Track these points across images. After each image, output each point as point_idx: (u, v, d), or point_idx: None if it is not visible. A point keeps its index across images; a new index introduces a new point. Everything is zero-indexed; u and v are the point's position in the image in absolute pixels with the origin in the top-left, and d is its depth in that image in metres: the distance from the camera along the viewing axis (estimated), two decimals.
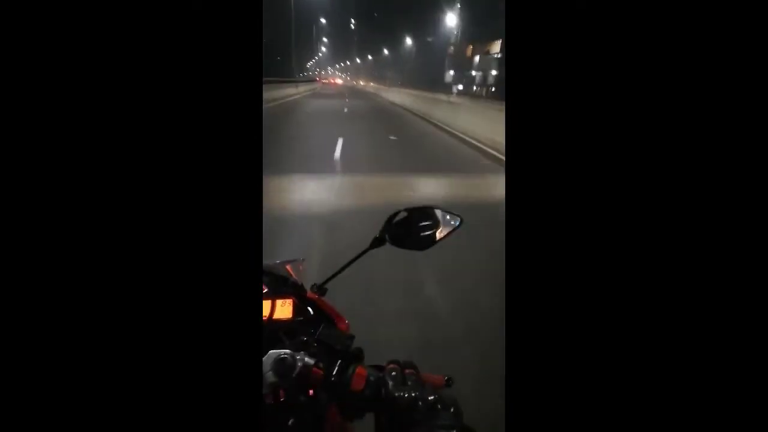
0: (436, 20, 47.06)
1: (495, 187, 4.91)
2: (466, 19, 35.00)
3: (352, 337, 0.59)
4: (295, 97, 21.45)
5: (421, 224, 0.74)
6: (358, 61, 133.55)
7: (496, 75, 38.06)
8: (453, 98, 19.25)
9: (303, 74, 73.48)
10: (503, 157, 6.22)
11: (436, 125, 11.34)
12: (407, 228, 0.73)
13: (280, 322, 0.65)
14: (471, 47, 42.54)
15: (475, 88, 42.18)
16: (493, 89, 37.52)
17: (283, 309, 0.66)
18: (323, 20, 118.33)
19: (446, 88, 39.02)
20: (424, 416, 0.45)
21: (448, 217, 0.75)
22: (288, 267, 0.80)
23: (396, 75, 64.59)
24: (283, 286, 0.70)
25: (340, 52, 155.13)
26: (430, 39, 53.76)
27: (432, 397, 0.46)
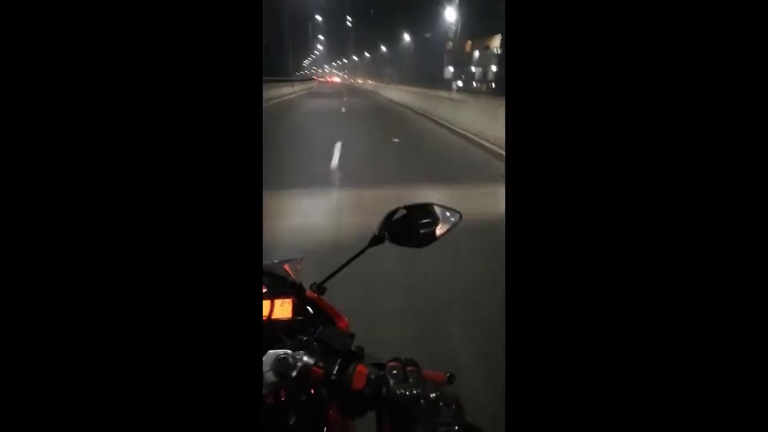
0: (433, 16, 46.32)
1: None
2: (465, 14, 34.25)
3: (352, 336, 0.58)
4: (291, 96, 20.68)
5: (420, 221, 0.73)
6: (355, 58, 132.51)
7: (496, 71, 37.39)
8: (454, 95, 18.62)
9: (300, 73, 72.78)
10: None
11: (440, 124, 10.62)
12: (406, 225, 0.72)
13: (279, 321, 0.64)
14: (470, 42, 41.88)
15: (474, 84, 41.56)
16: (494, 85, 36.88)
17: (283, 309, 0.65)
18: (319, 18, 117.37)
19: (445, 85, 38.40)
20: (425, 414, 0.45)
21: (447, 213, 0.74)
22: (286, 266, 0.78)
23: (394, 72, 63.80)
24: (282, 286, 0.68)
25: (337, 49, 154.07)
26: (428, 35, 53.04)
27: (433, 395, 0.46)
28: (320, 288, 0.73)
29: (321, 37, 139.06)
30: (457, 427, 0.43)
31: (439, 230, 0.74)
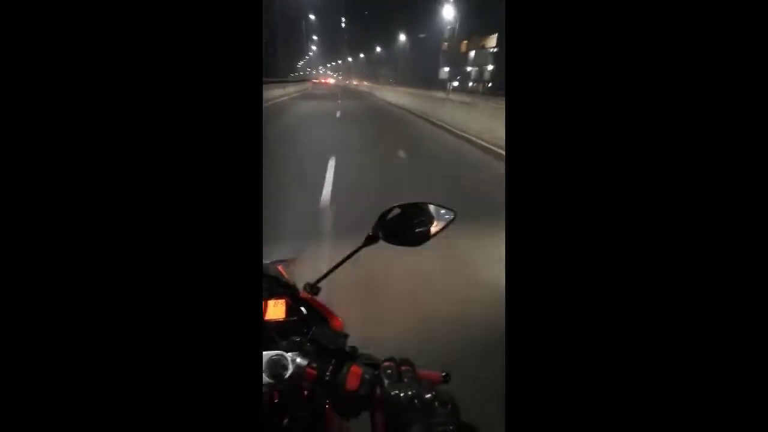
0: (429, 16, 45.08)
1: None
2: (461, 13, 32.85)
3: (346, 336, 0.58)
4: (283, 99, 18.95)
5: (414, 220, 0.73)
6: (349, 59, 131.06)
7: (492, 70, 36.15)
8: (453, 96, 17.29)
9: (294, 74, 71.18)
10: None
11: (450, 131, 9.02)
12: (401, 224, 0.72)
13: (273, 322, 0.63)
14: (466, 42, 40.71)
15: (471, 83, 40.42)
16: (490, 84, 35.64)
17: (276, 309, 0.65)
18: (312, 17, 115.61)
19: (441, 85, 37.14)
20: (420, 414, 0.44)
21: (442, 211, 0.74)
22: (279, 267, 0.77)
23: (389, 73, 62.38)
24: (276, 287, 0.68)
25: (331, 51, 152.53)
26: (423, 35, 51.78)
27: (428, 395, 0.46)
28: (314, 288, 0.71)
29: (315, 38, 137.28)
30: (452, 427, 0.43)
31: (434, 229, 0.72)
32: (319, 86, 45.86)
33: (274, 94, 18.37)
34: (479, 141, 7.33)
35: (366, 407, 0.49)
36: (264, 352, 0.52)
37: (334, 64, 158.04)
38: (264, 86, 17.25)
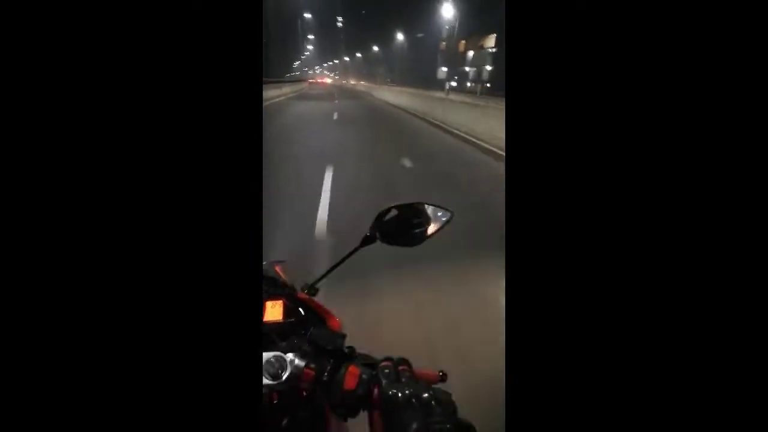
0: (426, 15, 44.48)
1: None
2: (460, 12, 32.21)
3: (343, 336, 0.58)
4: (278, 99, 18.16)
5: (411, 221, 0.73)
6: (346, 59, 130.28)
7: (491, 70, 35.63)
8: (453, 96, 16.67)
9: (290, 74, 70.45)
10: None
11: (454, 134, 8.32)
12: (398, 225, 0.72)
13: (271, 324, 0.63)
14: (464, 42, 40.19)
15: (468, 83, 39.96)
16: (489, 85, 35.13)
17: (274, 311, 0.64)
18: (309, 17, 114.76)
19: (439, 85, 36.63)
20: (418, 413, 0.44)
21: (439, 213, 0.74)
22: (277, 268, 0.77)
23: (386, 73, 61.75)
24: (273, 288, 0.68)
25: (328, 50, 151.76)
26: (420, 35, 51.22)
27: (426, 394, 0.46)
28: (311, 289, 0.71)
29: (311, 37, 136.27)
30: (449, 426, 0.43)
31: (431, 229, 0.72)
32: (315, 86, 45.11)
33: (269, 95, 17.64)
34: (488, 146, 6.63)
35: (364, 407, 0.49)
36: (262, 353, 0.52)
37: (330, 63, 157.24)
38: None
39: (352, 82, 79.42)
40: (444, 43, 43.94)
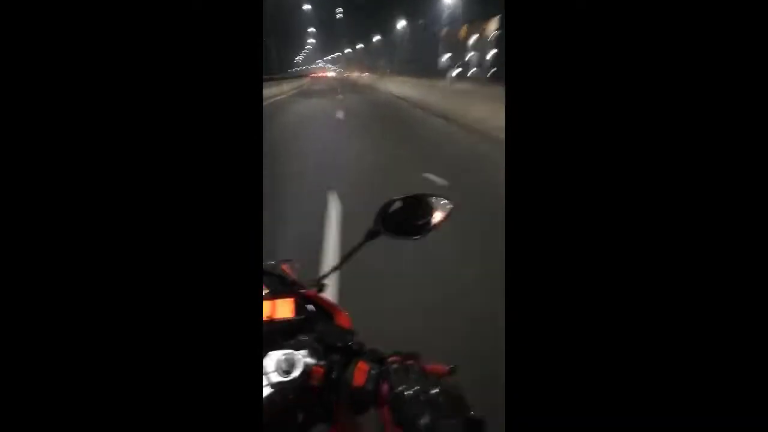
0: (427, 2, 43.07)
1: None
2: None
3: (352, 332, 0.59)
4: (277, 98, 17.14)
5: (415, 212, 0.73)
6: (348, 51, 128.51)
7: (495, 54, 34.38)
8: (460, 84, 15.67)
9: (292, 70, 69.44)
10: None
11: (478, 132, 7.10)
12: (402, 217, 0.73)
13: (281, 321, 0.63)
14: (465, 28, 38.88)
15: (471, 71, 38.72)
16: (495, 69, 33.89)
17: (284, 308, 0.64)
18: (309, 11, 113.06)
19: (440, 73, 35.48)
20: (427, 408, 0.45)
21: (443, 201, 0.74)
22: (284, 266, 0.77)
23: (387, 63, 60.51)
24: (282, 286, 0.68)
25: (329, 44, 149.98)
26: (421, 21, 49.85)
27: (435, 388, 0.46)
28: (319, 286, 0.73)
29: (312, 30, 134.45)
30: (459, 421, 0.43)
31: (435, 220, 0.73)
32: (317, 81, 44.15)
33: (268, 93, 16.69)
34: None
35: (373, 402, 0.49)
36: (272, 352, 0.52)
37: (332, 57, 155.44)
38: None
39: (355, 74, 78.17)
40: (445, 29, 42.67)
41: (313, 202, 3.65)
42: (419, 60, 44.75)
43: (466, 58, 37.81)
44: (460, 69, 37.60)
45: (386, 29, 65.13)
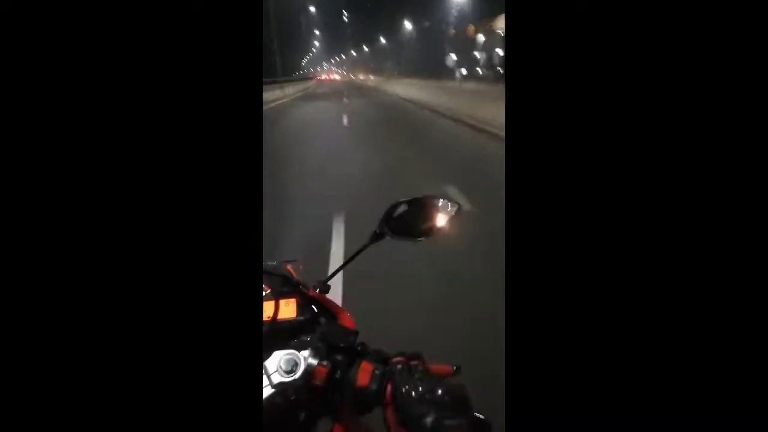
0: (433, 2, 42.35)
1: None
2: None
3: (356, 333, 0.58)
4: (280, 102, 16.34)
5: (419, 214, 0.73)
6: (353, 53, 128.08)
7: (504, 54, 33.55)
8: (471, 84, 14.83)
9: (298, 73, 69.04)
10: None
11: (494, 136, 6.39)
12: (407, 219, 0.73)
13: (284, 321, 0.63)
14: (473, 27, 38.09)
15: (480, 70, 37.94)
16: (501, 70, 33.09)
17: (287, 309, 0.64)
18: (314, 14, 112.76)
19: (448, 73, 34.78)
20: (431, 408, 0.45)
21: (448, 204, 0.74)
22: (288, 267, 0.77)
23: (395, 65, 59.87)
24: (286, 286, 0.67)
25: (335, 46, 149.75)
26: (427, 23, 49.15)
27: (439, 388, 0.46)
28: (323, 286, 0.72)
29: (317, 32, 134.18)
30: (463, 420, 0.43)
31: (440, 222, 0.73)
32: (323, 84, 43.55)
33: (270, 97, 15.92)
34: None
35: (377, 403, 0.49)
36: (276, 352, 0.52)
37: (338, 59, 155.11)
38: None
39: (361, 77, 77.50)
40: (452, 29, 41.92)
41: (316, 228, 3.15)
42: (426, 61, 44.05)
43: (474, 58, 37.04)
44: (464, 70, 36.88)
45: (392, 30, 64.46)
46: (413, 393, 0.46)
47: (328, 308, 0.66)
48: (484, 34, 35.78)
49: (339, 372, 0.52)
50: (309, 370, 0.52)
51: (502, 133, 6.62)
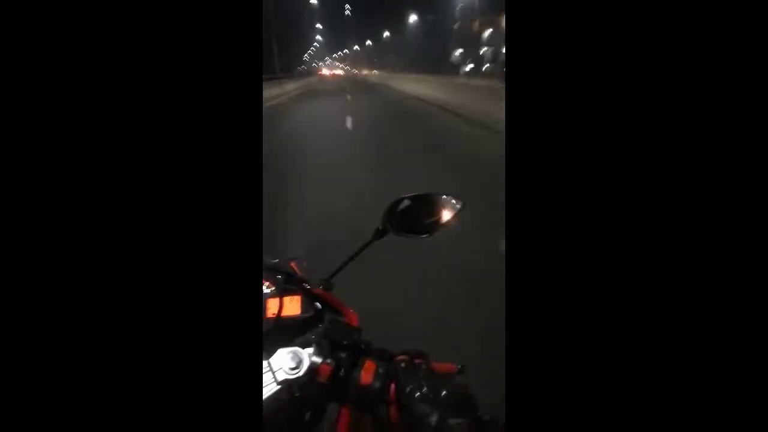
0: None
1: None
2: None
3: (360, 330, 0.59)
4: (278, 100, 14.96)
5: (423, 211, 0.73)
6: (356, 48, 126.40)
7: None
8: (479, 80, 13.52)
9: (300, 68, 67.63)
10: None
11: None
12: (410, 216, 0.72)
13: (288, 319, 0.63)
14: (478, 21, 36.70)
15: (485, 66, 36.63)
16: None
17: (291, 306, 0.64)
18: (316, 8, 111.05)
19: (452, 69, 33.43)
20: (435, 407, 0.45)
21: (453, 201, 0.74)
22: (292, 264, 0.76)
23: (399, 59, 58.41)
24: (290, 284, 0.67)
25: (337, 41, 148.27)
26: (431, 17, 47.72)
27: (443, 388, 0.47)
28: (327, 284, 0.71)
29: (319, 26, 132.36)
30: (467, 420, 0.43)
31: (444, 218, 0.72)
32: (325, 79, 42.34)
33: (267, 94, 14.53)
34: None
35: (381, 401, 0.50)
36: (281, 349, 0.52)
37: (340, 54, 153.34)
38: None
39: (364, 72, 76.08)
40: (458, 23, 40.52)
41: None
42: (431, 56, 42.71)
43: (480, 53, 35.70)
44: (473, 65, 35.61)
45: (396, 25, 62.94)
46: (417, 392, 0.46)
47: (332, 306, 0.66)
48: (490, 29, 34.44)
49: (343, 370, 0.52)
50: (313, 368, 0.51)
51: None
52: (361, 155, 5.80)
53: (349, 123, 8.80)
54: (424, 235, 0.72)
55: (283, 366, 0.50)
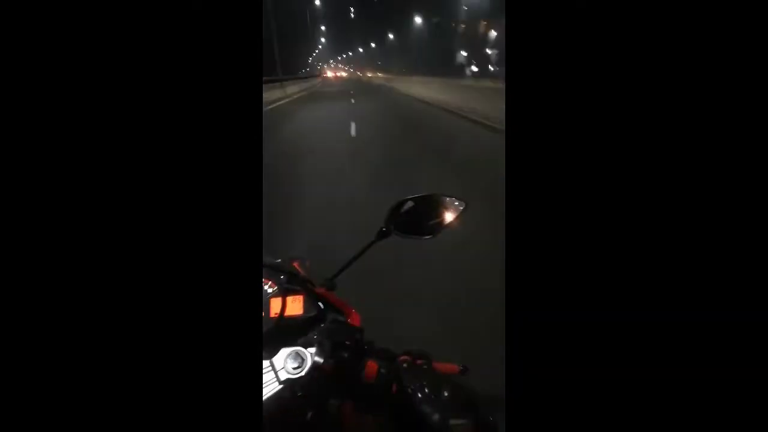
0: None
1: None
2: None
3: (362, 331, 0.59)
4: (278, 104, 14.20)
5: (426, 212, 0.73)
6: (360, 50, 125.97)
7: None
8: (488, 82, 12.84)
9: (304, 70, 67.15)
10: None
11: None
12: (413, 217, 0.72)
13: (291, 318, 0.63)
14: (485, 23, 36.03)
15: (491, 68, 35.96)
16: None
17: (294, 305, 0.64)
18: (320, 10, 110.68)
19: (457, 71, 32.78)
20: (437, 407, 0.45)
21: (456, 202, 0.74)
22: (295, 264, 0.78)
23: (402, 62, 57.82)
24: (293, 283, 0.67)
25: (341, 43, 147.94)
26: (437, 19, 47.07)
27: (445, 388, 0.47)
28: (330, 283, 0.71)
29: (323, 28, 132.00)
30: (469, 420, 0.43)
31: (447, 219, 0.72)
32: (328, 82, 41.72)
33: (269, 97, 13.82)
34: None
35: (383, 401, 0.50)
36: (283, 348, 0.52)
37: (344, 56, 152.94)
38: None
39: (369, 74, 75.56)
40: (463, 24, 39.87)
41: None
42: (436, 58, 42.11)
43: (486, 54, 35.06)
44: (475, 67, 35.03)
45: (400, 27, 62.29)
46: (419, 392, 0.46)
47: (335, 305, 0.66)
48: (497, 31, 33.80)
49: (345, 370, 0.52)
50: (315, 367, 0.51)
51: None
52: (363, 171, 4.99)
53: (353, 130, 8.17)
54: (428, 237, 0.71)
55: (285, 365, 0.50)
